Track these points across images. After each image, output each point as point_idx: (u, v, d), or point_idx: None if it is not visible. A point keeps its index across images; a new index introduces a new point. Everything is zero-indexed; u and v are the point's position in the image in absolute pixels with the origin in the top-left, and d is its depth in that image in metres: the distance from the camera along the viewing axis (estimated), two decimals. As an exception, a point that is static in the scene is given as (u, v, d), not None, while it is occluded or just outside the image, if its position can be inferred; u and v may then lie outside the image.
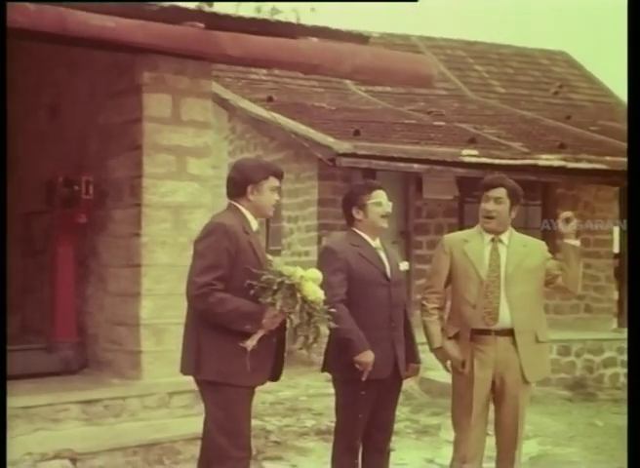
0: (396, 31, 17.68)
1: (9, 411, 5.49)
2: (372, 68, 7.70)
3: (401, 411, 7.30)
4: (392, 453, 5.17)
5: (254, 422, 4.51)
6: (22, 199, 8.67)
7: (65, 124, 8.28)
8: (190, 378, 4.43)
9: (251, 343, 4.19)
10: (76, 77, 8.09)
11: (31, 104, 8.80)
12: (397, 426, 5.79)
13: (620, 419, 8.58)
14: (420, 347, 5.10)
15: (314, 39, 7.53)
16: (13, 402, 5.88)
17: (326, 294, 4.28)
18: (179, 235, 7.24)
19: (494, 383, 4.89)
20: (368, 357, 4.66)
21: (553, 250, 5.23)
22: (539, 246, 5.10)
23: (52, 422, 6.52)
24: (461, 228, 9.92)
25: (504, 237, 4.98)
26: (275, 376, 4.47)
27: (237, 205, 4.47)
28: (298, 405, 8.87)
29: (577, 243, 4.88)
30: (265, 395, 8.27)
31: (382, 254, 4.97)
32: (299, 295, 4.17)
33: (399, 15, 33.91)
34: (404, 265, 5.28)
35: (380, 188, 5.01)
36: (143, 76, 7.18)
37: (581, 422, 8.92)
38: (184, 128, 7.33)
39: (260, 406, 7.54)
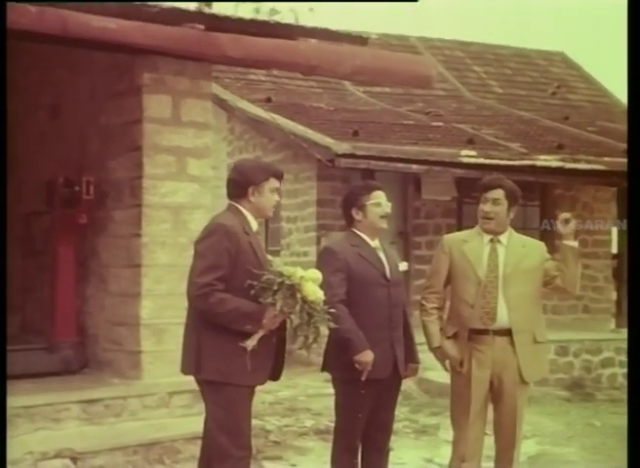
0: (395, 32, 17.70)
1: (10, 411, 5.53)
2: (371, 69, 7.73)
3: (400, 411, 7.32)
4: (391, 453, 5.19)
5: (253, 422, 4.53)
6: (23, 199, 8.69)
7: (66, 124, 8.30)
8: (190, 378, 4.45)
9: (251, 343, 4.21)
10: (76, 78, 8.12)
11: (31, 105, 8.82)
12: (396, 426, 5.80)
13: (618, 419, 8.62)
14: (418, 347, 5.12)
15: (314, 40, 7.56)
16: (14, 401, 5.91)
17: (326, 295, 4.30)
18: (178, 235, 7.26)
19: (492, 383, 4.91)
20: (367, 356, 4.68)
21: (551, 250, 5.25)
22: (537, 246, 5.11)
23: (53, 422, 6.54)
24: (460, 229, 9.94)
25: (503, 237, 5.00)
26: (276, 376, 4.49)
27: (237, 205, 4.49)
28: (297, 405, 8.89)
29: (575, 244, 4.89)
30: (265, 395, 8.29)
31: (382, 255, 4.99)
32: (299, 296, 4.19)
33: (398, 15, 33.91)
34: (403, 266, 5.31)
35: (379, 189, 5.04)
36: (143, 77, 7.21)
37: (580, 422, 8.94)
38: (184, 129, 7.36)
39: (260, 405, 7.56)
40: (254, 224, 4.50)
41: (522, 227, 11.28)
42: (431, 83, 8.67)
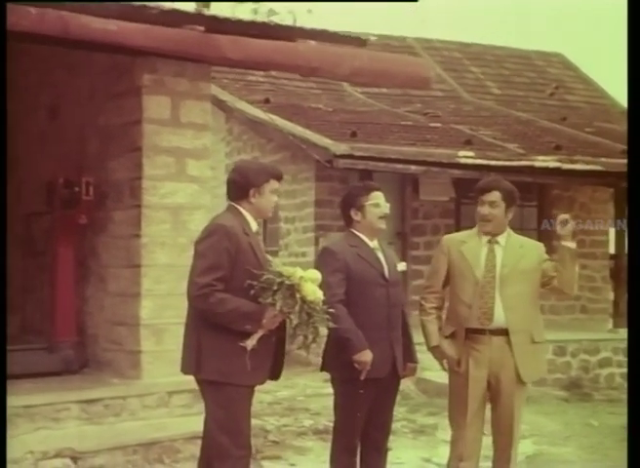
0: (394, 32, 17.73)
1: (10, 411, 5.55)
2: (370, 71, 7.75)
3: (398, 411, 7.33)
4: (389, 452, 5.22)
5: (252, 422, 4.55)
6: (23, 200, 8.70)
7: (65, 125, 8.32)
8: (190, 378, 4.47)
9: (251, 343, 4.24)
10: (76, 78, 8.13)
11: (31, 105, 8.83)
12: (394, 426, 5.83)
13: (616, 419, 8.64)
14: (417, 347, 5.15)
15: (313, 42, 7.58)
16: (14, 401, 5.93)
17: (325, 295, 4.32)
18: (178, 236, 7.28)
19: (489, 383, 4.93)
20: (366, 356, 4.71)
21: (549, 251, 5.27)
22: (536, 247, 5.13)
23: (53, 421, 6.55)
24: (458, 229, 9.98)
25: (501, 238, 5.02)
26: (275, 375, 4.52)
27: (237, 206, 4.51)
28: (295, 404, 8.91)
29: (572, 245, 4.91)
30: (263, 395, 8.31)
31: (380, 255, 5.02)
32: (298, 296, 4.22)
33: (397, 15, 33.91)
34: (402, 266, 5.34)
35: (377, 190, 5.07)
36: (143, 78, 7.22)
37: (577, 422, 8.96)
38: (184, 130, 7.37)
39: (259, 405, 7.58)
40: (253, 225, 4.53)
41: (519, 228, 11.27)
42: (429, 84, 8.70)
